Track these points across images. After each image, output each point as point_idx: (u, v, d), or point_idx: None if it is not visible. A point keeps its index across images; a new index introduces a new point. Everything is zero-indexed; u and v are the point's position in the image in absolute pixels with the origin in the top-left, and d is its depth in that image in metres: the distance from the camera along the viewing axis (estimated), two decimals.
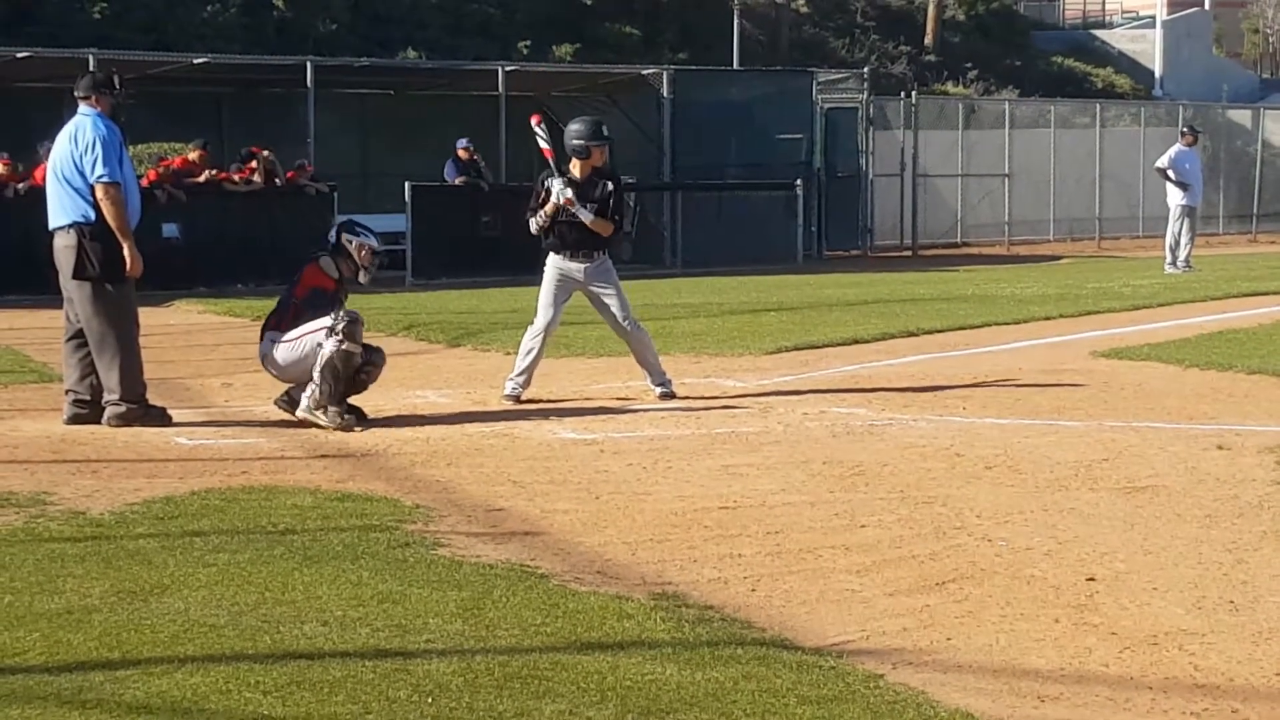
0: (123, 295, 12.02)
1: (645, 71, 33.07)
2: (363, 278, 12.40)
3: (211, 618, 6.62)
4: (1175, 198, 29.14)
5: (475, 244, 27.56)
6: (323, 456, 10.80)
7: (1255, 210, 45.52)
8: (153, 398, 12.12)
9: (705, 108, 32.51)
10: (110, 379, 11.84)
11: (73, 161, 11.89)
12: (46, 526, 8.50)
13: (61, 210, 11.98)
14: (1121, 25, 64.29)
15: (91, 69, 12.55)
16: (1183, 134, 30.21)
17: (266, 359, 12.18)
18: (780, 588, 7.42)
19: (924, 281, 27.14)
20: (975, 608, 7.09)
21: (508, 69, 30.97)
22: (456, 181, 28.39)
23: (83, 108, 12.11)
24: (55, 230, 12.05)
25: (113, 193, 11.80)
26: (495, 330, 18.18)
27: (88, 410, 11.98)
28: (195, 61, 28.46)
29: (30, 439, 11.42)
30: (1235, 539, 8.31)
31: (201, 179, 25.64)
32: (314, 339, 11.84)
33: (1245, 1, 69.37)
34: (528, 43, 38.38)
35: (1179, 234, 29.10)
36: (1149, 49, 55.60)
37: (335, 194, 26.75)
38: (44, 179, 23.86)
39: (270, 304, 12.85)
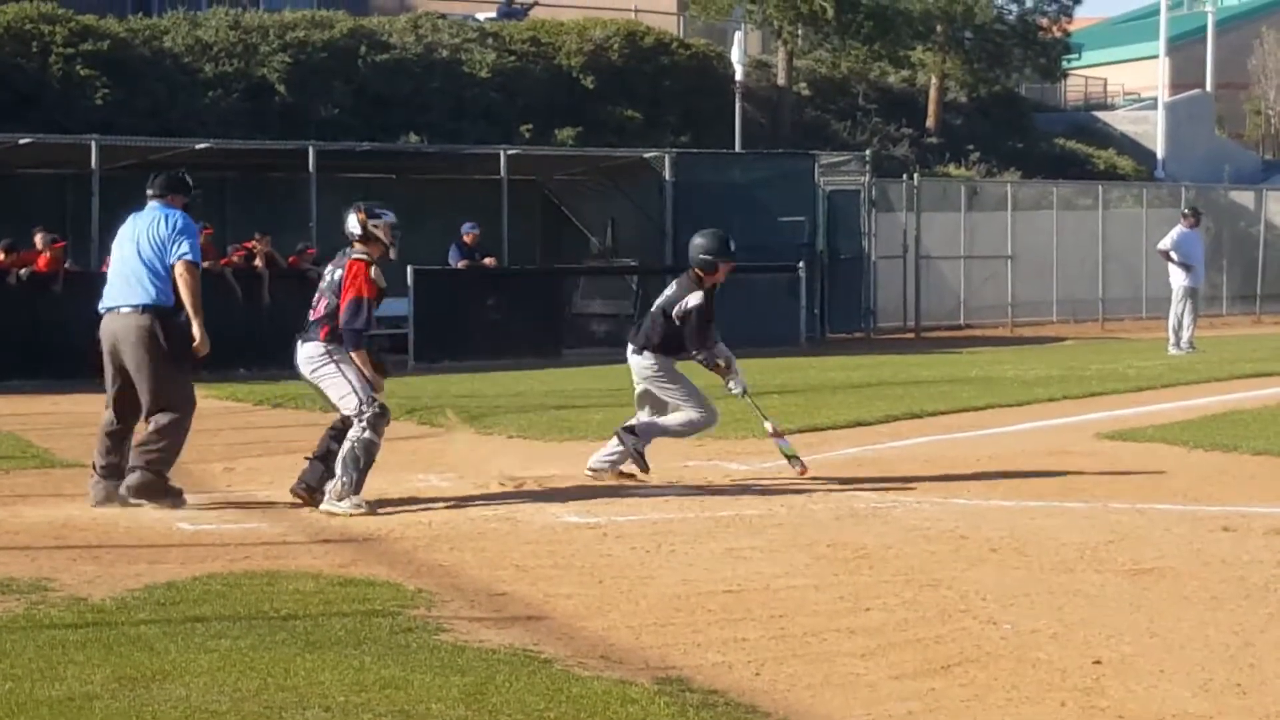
0: (186, 376, 12.18)
1: (647, 154, 33.20)
2: (393, 254, 12.51)
3: (213, 704, 6.59)
4: (1178, 279, 29.13)
5: (478, 327, 27.57)
6: (325, 541, 10.78)
7: (1259, 291, 45.60)
8: None
9: (707, 190, 32.55)
10: (153, 445, 11.91)
11: (158, 243, 12.05)
12: (47, 613, 8.47)
13: (140, 289, 12.03)
14: (1123, 107, 64.53)
15: (163, 173, 12.72)
16: (1184, 215, 30.18)
17: (305, 360, 12.18)
18: (785, 672, 7.38)
19: (927, 364, 27.14)
20: (981, 691, 7.05)
21: (510, 153, 31.06)
22: (459, 265, 28.45)
23: (159, 205, 12.29)
24: (124, 308, 12.08)
25: (195, 271, 12.04)
26: (498, 414, 18.17)
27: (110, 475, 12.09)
28: (198, 147, 28.55)
29: (31, 525, 11.40)
30: (1242, 621, 8.28)
31: (205, 264, 25.62)
32: (340, 397, 11.91)
33: (1247, 83, 69.68)
34: (530, 126, 38.49)
35: (1182, 315, 29.07)
36: (1151, 131, 55.72)
37: None
38: (46, 266, 23.86)
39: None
